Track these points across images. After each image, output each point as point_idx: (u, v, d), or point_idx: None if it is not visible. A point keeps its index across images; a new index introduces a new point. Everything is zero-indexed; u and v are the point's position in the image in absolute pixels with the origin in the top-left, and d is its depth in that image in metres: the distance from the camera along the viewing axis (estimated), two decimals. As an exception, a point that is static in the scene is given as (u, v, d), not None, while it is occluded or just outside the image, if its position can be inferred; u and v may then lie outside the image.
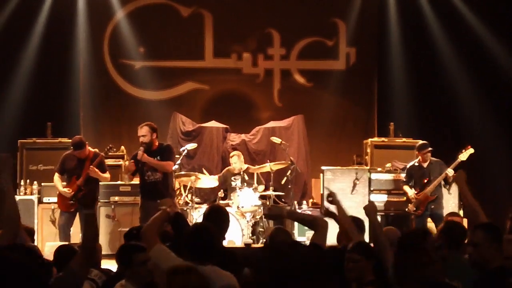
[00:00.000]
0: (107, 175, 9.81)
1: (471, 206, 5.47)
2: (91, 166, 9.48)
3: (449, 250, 5.18)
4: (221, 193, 10.98)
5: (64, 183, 9.73)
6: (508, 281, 4.25)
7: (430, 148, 10.38)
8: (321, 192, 11.68)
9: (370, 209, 5.52)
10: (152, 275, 4.76)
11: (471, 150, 10.18)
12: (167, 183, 9.47)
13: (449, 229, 5.59)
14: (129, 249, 5.10)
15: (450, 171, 10.15)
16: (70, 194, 9.52)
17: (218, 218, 5.71)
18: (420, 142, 10.75)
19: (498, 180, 12.58)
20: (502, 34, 12.74)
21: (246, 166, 11.35)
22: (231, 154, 11.53)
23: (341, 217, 5.69)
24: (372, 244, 5.19)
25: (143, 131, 9.48)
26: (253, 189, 10.71)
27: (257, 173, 11.36)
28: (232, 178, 11.22)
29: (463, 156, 10.16)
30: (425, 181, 10.28)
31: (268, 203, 10.80)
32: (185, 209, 10.66)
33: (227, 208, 10.29)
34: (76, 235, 9.67)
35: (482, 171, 12.41)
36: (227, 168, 11.51)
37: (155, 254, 4.75)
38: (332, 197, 5.87)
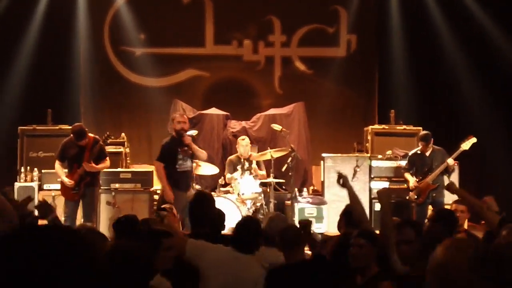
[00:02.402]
0: (107, 161, 9.81)
1: (474, 207, 5.51)
2: (84, 163, 9.44)
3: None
4: (221, 180, 10.97)
5: (66, 170, 9.71)
6: None
7: (432, 139, 10.38)
8: (322, 179, 11.69)
9: (383, 193, 5.47)
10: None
11: (473, 140, 10.16)
12: (192, 174, 9.68)
13: (440, 218, 5.67)
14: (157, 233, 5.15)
15: (450, 161, 10.16)
16: (72, 185, 9.51)
17: (204, 204, 5.90)
18: (423, 132, 10.73)
19: (498, 168, 12.58)
20: (503, 21, 12.71)
21: (249, 153, 11.33)
22: (242, 137, 11.41)
23: (352, 201, 5.67)
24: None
25: (185, 119, 9.64)
26: (253, 176, 10.72)
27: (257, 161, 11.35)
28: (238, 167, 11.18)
29: (465, 145, 10.14)
30: (425, 169, 10.27)
31: (268, 190, 10.80)
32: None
33: (228, 195, 10.42)
34: (78, 221, 9.67)
35: (482, 158, 12.42)
36: (236, 155, 11.37)
37: (192, 247, 4.87)
38: (343, 180, 5.86)
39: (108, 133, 10.08)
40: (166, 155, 9.36)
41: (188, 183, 9.49)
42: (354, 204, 5.68)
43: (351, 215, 5.84)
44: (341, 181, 5.90)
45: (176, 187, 9.28)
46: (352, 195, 5.69)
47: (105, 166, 9.84)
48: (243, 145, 11.09)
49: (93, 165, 9.53)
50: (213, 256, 4.98)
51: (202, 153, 9.67)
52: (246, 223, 5.28)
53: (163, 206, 7.37)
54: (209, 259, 4.94)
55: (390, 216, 5.27)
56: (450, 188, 6.18)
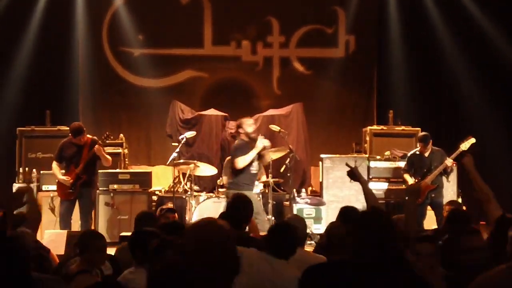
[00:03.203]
0: (109, 157, 9.82)
1: (482, 190, 5.43)
2: (96, 146, 9.48)
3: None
4: (220, 181, 10.97)
5: (63, 171, 9.72)
6: None
7: (431, 140, 10.38)
8: (320, 180, 11.69)
9: (469, 162, 5.39)
10: None
11: (472, 140, 10.15)
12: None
13: (453, 217, 5.62)
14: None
15: (449, 161, 10.16)
16: (69, 183, 9.51)
17: (242, 207, 5.85)
18: (422, 133, 10.73)
19: (497, 168, 12.55)
20: (503, 21, 12.71)
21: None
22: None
23: (366, 194, 5.52)
24: None
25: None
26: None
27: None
28: None
29: (464, 145, 10.13)
30: (424, 170, 10.27)
31: (267, 191, 10.79)
32: (184, 197, 10.67)
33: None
34: (75, 223, 9.67)
35: (481, 158, 12.39)
36: None
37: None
38: (354, 173, 5.65)
39: (107, 132, 10.08)
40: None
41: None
42: (368, 198, 5.53)
43: (346, 214, 5.83)
44: (351, 174, 5.74)
45: (249, 188, 9.28)
46: (366, 189, 5.50)
47: (109, 158, 9.81)
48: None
49: (102, 149, 9.55)
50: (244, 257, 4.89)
51: (108, 160, 9.78)
52: (282, 228, 5.21)
53: (164, 206, 7.44)
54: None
55: (414, 214, 5.26)
56: (467, 164, 5.97)
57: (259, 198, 10.56)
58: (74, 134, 9.58)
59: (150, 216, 6.72)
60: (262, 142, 9.27)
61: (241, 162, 9.17)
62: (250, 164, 9.27)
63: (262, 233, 6.66)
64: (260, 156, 9.45)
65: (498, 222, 5.07)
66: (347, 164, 5.79)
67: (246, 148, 9.25)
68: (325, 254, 5.41)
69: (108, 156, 9.75)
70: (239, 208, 5.85)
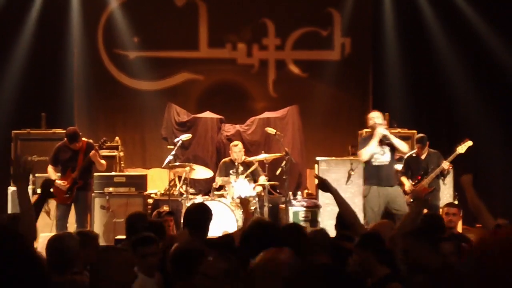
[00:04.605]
0: (103, 161, 9.82)
1: (475, 205, 5.47)
2: (92, 152, 9.47)
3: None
4: (215, 184, 10.95)
5: (59, 175, 9.70)
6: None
7: (428, 142, 10.38)
8: (316, 183, 11.66)
9: (467, 181, 5.44)
10: None
11: (469, 143, 10.15)
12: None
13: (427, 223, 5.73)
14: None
15: (446, 164, 10.15)
16: (66, 187, 9.49)
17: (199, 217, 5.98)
18: (419, 135, 10.72)
19: (492, 171, 12.58)
20: (498, 24, 12.71)
21: (244, 157, 11.29)
22: (235, 143, 11.42)
23: (340, 205, 5.55)
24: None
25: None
26: (248, 180, 10.71)
27: (255, 164, 11.32)
28: (231, 172, 11.14)
29: (461, 148, 10.13)
30: (421, 173, 10.25)
31: (262, 194, 10.79)
32: (179, 200, 10.65)
33: (222, 199, 10.40)
34: (71, 225, 9.64)
35: (476, 161, 12.41)
36: (229, 158, 11.37)
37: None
38: (324, 185, 5.66)
39: (104, 138, 10.07)
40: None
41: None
42: (343, 208, 5.58)
43: (341, 217, 5.83)
44: (320, 186, 5.79)
45: (374, 183, 9.39)
46: (339, 199, 5.56)
47: (103, 163, 9.82)
48: (236, 151, 11.08)
49: (97, 155, 9.53)
50: None
51: (103, 165, 9.80)
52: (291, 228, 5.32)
53: (162, 210, 7.44)
54: None
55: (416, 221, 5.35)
56: (465, 182, 5.97)
57: (255, 201, 10.58)
58: (69, 140, 9.56)
59: (141, 217, 6.68)
60: (381, 130, 9.33)
61: (361, 154, 9.45)
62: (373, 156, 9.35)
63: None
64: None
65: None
66: (316, 176, 5.81)
67: (369, 139, 9.43)
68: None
69: (102, 161, 9.75)
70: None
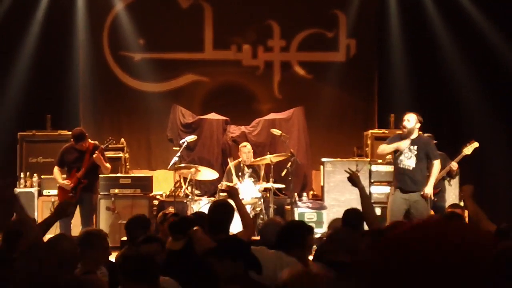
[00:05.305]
0: (108, 165, 9.83)
1: (474, 214, 5.51)
2: (96, 152, 9.49)
3: None
4: (221, 185, 10.96)
5: (64, 176, 9.72)
6: None
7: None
8: (321, 184, 11.67)
9: (468, 191, 5.43)
10: None
11: (475, 144, 10.13)
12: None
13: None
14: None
15: (454, 165, 10.14)
16: (70, 186, 9.51)
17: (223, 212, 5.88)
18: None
19: (498, 173, 12.56)
20: (505, 26, 12.69)
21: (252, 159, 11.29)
22: (244, 144, 11.41)
23: (363, 201, 5.63)
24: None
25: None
26: (253, 181, 10.71)
27: (258, 167, 11.32)
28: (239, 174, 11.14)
29: (468, 150, 10.11)
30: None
31: (268, 195, 10.79)
32: (185, 201, 10.66)
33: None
34: (76, 227, 9.65)
35: (482, 163, 12.39)
36: (237, 161, 11.37)
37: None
38: (353, 180, 5.78)
39: (110, 137, 10.09)
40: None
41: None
42: (365, 203, 5.65)
43: (347, 215, 5.85)
44: (350, 179, 5.87)
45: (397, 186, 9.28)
46: (363, 194, 5.65)
47: (108, 167, 9.83)
48: (246, 152, 11.10)
49: (102, 158, 9.55)
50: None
51: (108, 168, 9.79)
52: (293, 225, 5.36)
53: (167, 211, 7.42)
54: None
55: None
56: (466, 192, 6.04)
57: (260, 202, 10.58)
58: (75, 140, 9.59)
59: (142, 219, 6.53)
60: (404, 143, 9.20)
61: (380, 147, 9.48)
62: (397, 158, 9.24)
63: None
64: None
65: (496, 236, 5.10)
66: (348, 170, 5.86)
67: (397, 139, 9.33)
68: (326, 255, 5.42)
69: (107, 164, 9.75)
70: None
